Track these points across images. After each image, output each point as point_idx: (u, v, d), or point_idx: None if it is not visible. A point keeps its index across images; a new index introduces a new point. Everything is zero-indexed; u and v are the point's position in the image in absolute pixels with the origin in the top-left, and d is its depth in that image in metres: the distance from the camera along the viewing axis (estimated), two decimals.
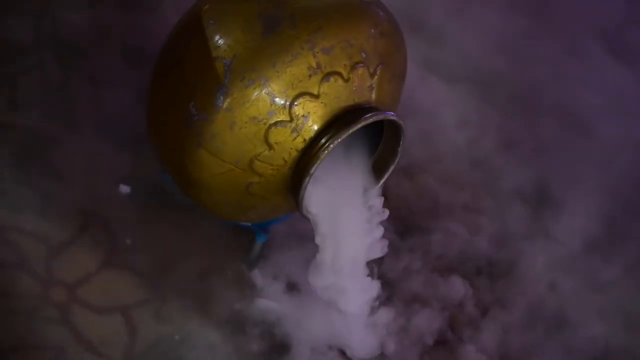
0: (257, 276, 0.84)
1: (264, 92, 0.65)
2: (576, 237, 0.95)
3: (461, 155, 1.01)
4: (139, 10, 1.02)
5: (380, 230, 0.76)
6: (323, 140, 0.68)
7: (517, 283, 0.90)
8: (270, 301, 0.83)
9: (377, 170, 0.77)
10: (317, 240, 0.74)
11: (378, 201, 0.76)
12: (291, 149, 0.68)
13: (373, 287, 0.80)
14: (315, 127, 0.68)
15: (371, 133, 0.75)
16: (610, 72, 1.10)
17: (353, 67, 0.68)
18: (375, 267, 0.82)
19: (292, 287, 0.83)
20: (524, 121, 1.05)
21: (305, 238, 0.84)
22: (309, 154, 0.68)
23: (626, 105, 1.07)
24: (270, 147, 0.67)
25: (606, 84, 1.08)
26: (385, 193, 0.78)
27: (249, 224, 0.84)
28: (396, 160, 0.76)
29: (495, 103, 1.06)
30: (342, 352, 0.81)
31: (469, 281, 0.89)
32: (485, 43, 1.09)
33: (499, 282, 0.90)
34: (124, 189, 0.86)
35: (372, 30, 0.69)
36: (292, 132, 0.67)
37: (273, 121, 0.66)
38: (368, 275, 0.79)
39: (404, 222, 0.92)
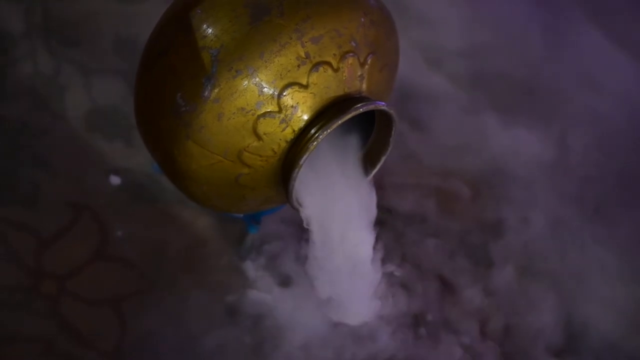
0: (249, 268, 0.83)
1: (252, 82, 0.64)
2: None
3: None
4: None
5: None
6: (313, 131, 0.66)
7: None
8: (263, 293, 0.82)
9: (370, 161, 0.76)
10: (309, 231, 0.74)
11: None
12: (280, 140, 0.67)
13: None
14: (305, 118, 0.67)
15: (363, 124, 0.75)
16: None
17: (343, 57, 0.67)
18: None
19: (284, 279, 0.83)
20: (520, 91, 1.05)
21: (298, 229, 0.83)
22: (299, 144, 0.67)
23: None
24: (259, 138, 0.66)
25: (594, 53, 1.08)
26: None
27: (241, 216, 0.84)
28: (388, 151, 0.75)
29: (489, 75, 1.05)
30: (336, 344, 0.81)
31: None
32: (474, 20, 1.08)
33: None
34: (115, 180, 0.86)
35: (363, 19, 0.68)
36: (281, 122, 0.66)
37: (261, 112, 0.65)
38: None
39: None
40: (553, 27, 1.11)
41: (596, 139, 1.01)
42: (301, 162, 0.66)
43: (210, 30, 0.64)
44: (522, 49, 1.08)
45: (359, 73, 0.68)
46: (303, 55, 0.65)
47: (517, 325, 0.85)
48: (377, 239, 0.82)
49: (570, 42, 1.10)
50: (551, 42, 1.09)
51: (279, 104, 0.65)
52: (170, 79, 0.66)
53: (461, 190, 0.95)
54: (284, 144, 0.67)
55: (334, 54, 0.66)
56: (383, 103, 0.69)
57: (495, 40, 1.08)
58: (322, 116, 0.67)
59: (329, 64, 0.66)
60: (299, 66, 0.65)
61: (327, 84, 0.66)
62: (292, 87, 0.65)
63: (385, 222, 0.89)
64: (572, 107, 1.04)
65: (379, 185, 0.90)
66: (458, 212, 0.93)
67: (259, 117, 0.65)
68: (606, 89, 1.05)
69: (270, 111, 0.65)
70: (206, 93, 0.64)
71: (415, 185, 0.94)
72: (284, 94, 0.65)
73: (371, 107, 0.68)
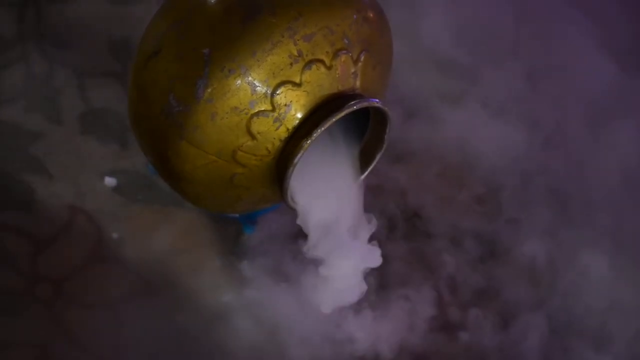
0: (246, 268, 0.83)
1: (244, 81, 0.64)
2: None
3: None
4: (125, 0, 1.01)
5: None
6: (306, 129, 0.66)
7: None
8: (260, 292, 0.82)
9: (364, 158, 0.76)
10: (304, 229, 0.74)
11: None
12: (274, 138, 0.67)
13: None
14: (299, 116, 0.66)
15: (358, 121, 0.74)
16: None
17: (335, 54, 0.66)
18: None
19: (281, 278, 0.82)
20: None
21: (294, 228, 0.83)
22: (293, 143, 0.67)
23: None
24: (253, 137, 0.66)
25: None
26: None
27: (237, 216, 0.83)
28: (383, 148, 0.75)
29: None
30: (333, 342, 0.81)
31: None
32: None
33: None
34: (110, 181, 0.85)
35: (355, 16, 0.68)
36: (274, 121, 0.66)
37: (255, 111, 0.65)
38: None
39: None
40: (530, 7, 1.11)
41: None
42: (296, 160, 0.66)
43: (201, 30, 0.64)
44: (505, 31, 1.08)
45: (353, 70, 0.68)
46: (295, 53, 0.65)
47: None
48: (377, 235, 0.82)
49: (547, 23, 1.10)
50: (530, 23, 1.09)
51: (272, 103, 0.65)
52: (163, 79, 0.66)
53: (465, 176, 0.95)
54: (278, 143, 0.67)
55: (327, 52, 0.66)
56: (377, 100, 0.69)
57: (479, 25, 1.08)
58: (316, 114, 0.66)
59: (321, 61, 0.66)
60: (291, 64, 0.65)
61: (320, 81, 0.66)
62: (285, 85, 0.65)
63: (391, 219, 0.89)
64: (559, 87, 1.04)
65: (379, 184, 0.90)
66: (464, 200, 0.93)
67: (252, 116, 0.65)
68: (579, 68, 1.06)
69: (263, 110, 0.65)
70: (199, 93, 0.64)
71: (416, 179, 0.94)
72: (277, 92, 0.65)
73: (365, 104, 0.67)
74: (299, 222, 0.74)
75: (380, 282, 0.84)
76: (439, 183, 0.93)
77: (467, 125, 0.98)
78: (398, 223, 0.89)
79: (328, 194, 0.73)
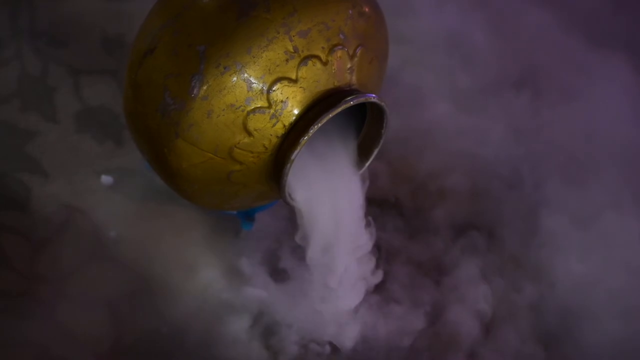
0: (245, 264, 0.83)
1: (240, 78, 0.63)
2: None
3: None
4: None
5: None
6: (303, 126, 0.66)
7: None
8: (259, 289, 0.82)
9: (362, 153, 0.76)
10: (301, 228, 0.73)
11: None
12: (271, 135, 0.67)
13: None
14: (295, 112, 0.66)
15: (355, 116, 0.74)
16: None
17: (331, 50, 0.66)
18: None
19: (280, 275, 0.82)
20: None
21: (292, 224, 0.83)
22: (290, 139, 0.66)
23: None
24: (249, 134, 0.66)
25: None
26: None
27: (235, 212, 0.83)
28: (380, 143, 0.74)
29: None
30: (333, 339, 0.80)
31: None
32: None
33: None
34: (106, 180, 0.85)
35: (350, 11, 0.67)
36: (271, 118, 0.66)
37: (251, 108, 0.65)
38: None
39: None
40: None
41: None
42: (293, 157, 0.66)
43: (196, 28, 0.64)
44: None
45: (349, 66, 0.68)
46: (291, 49, 0.64)
47: None
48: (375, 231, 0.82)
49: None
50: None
51: (268, 99, 0.65)
52: (158, 77, 0.65)
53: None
54: (275, 139, 0.67)
55: (323, 47, 0.66)
56: (374, 95, 0.68)
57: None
58: (313, 110, 0.66)
59: (317, 57, 0.65)
60: (287, 60, 0.64)
61: (316, 77, 0.66)
62: (281, 81, 0.65)
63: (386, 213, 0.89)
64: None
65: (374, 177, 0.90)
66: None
67: (248, 113, 0.65)
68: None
69: (260, 107, 0.65)
70: (195, 91, 0.64)
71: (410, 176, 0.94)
72: (273, 89, 0.65)
73: (362, 99, 0.67)
74: (298, 220, 0.73)
75: (384, 279, 0.84)
76: (445, 166, 0.93)
77: (470, 107, 0.99)
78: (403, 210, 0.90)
79: (326, 189, 0.73)
